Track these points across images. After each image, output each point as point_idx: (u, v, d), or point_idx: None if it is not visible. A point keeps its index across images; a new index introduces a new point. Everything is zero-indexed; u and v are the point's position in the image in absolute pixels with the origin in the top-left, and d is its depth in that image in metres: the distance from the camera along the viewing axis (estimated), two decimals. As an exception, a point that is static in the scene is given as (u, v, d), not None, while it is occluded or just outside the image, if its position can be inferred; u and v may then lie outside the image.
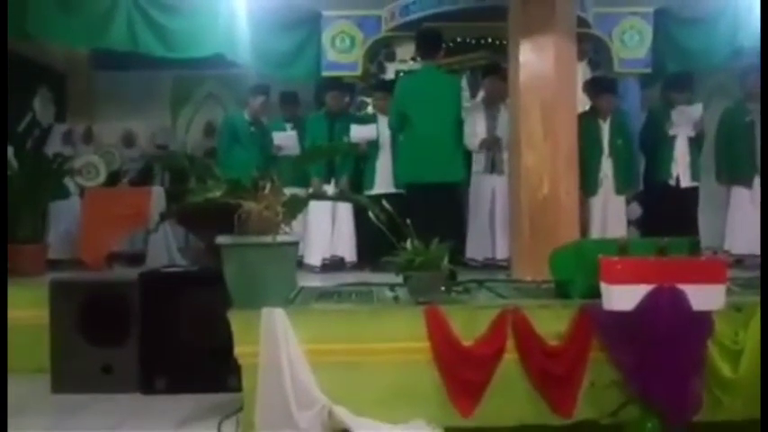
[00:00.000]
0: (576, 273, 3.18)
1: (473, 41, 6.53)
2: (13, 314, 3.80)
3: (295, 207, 3.23)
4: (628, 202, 5.84)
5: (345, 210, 5.68)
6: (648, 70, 6.73)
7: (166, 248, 5.87)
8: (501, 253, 5.38)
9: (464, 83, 5.89)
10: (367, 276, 4.65)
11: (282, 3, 6.51)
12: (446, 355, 2.97)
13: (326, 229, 5.69)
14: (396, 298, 3.39)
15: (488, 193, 5.53)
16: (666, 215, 5.52)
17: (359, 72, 6.68)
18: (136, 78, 7.64)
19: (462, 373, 2.96)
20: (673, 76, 6.10)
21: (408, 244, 3.15)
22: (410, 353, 3.00)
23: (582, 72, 6.27)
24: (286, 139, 5.98)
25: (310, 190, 5.44)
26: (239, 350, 2.96)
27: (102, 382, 3.69)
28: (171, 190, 6.04)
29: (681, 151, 5.67)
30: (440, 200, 4.86)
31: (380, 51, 6.79)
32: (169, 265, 5.01)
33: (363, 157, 5.79)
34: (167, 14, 5.97)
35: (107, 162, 6.41)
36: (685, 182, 5.67)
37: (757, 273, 4.10)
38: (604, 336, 2.98)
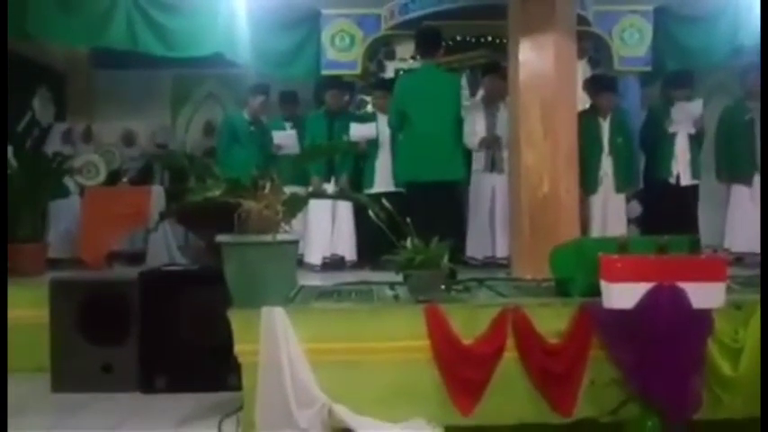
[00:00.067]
0: (577, 271, 3.18)
1: (473, 40, 6.52)
2: (13, 313, 3.81)
3: (295, 206, 3.23)
4: (628, 201, 5.84)
5: (345, 208, 5.68)
6: (648, 68, 6.73)
7: (166, 247, 5.88)
8: (501, 251, 5.38)
9: (464, 81, 5.87)
10: (367, 275, 4.65)
11: (282, 2, 6.51)
12: (446, 354, 2.97)
13: (326, 227, 5.69)
14: (396, 297, 3.39)
15: (488, 192, 5.53)
16: (666, 213, 5.52)
17: (358, 71, 6.68)
18: (135, 78, 7.64)
19: (462, 371, 2.96)
20: (673, 74, 6.09)
21: (408, 242, 3.14)
22: (410, 351, 3.00)
23: (582, 70, 6.26)
24: (286, 138, 5.98)
25: (310, 189, 5.44)
26: (239, 349, 2.96)
27: (103, 381, 3.70)
28: (171, 189, 6.05)
29: (681, 149, 5.67)
30: (440, 198, 4.85)
31: (380, 50, 6.78)
32: (169, 264, 5.01)
33: (363, 156, 5.79)
34: (167, 14, 5.98)
35: (107, 161, 6.41)
36: (685, 180, 5.66)
37: (757, 271, 4.10)
38: (604, 334, 2.98)
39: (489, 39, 6.44)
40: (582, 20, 5.86)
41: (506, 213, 5.00)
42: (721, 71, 6.98)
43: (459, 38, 6.50)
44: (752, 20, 6.11)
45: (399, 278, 3.26)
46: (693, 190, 5.72)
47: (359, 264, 5.63)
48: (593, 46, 6.72)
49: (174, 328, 3.68)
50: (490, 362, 2.98)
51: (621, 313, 2.88)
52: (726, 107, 5.95)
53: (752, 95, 5.60)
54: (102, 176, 6.17)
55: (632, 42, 6.68)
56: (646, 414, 2.90)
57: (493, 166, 5.52)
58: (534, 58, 4.26)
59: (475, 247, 5.51)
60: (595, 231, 5.47)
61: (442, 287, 3.26)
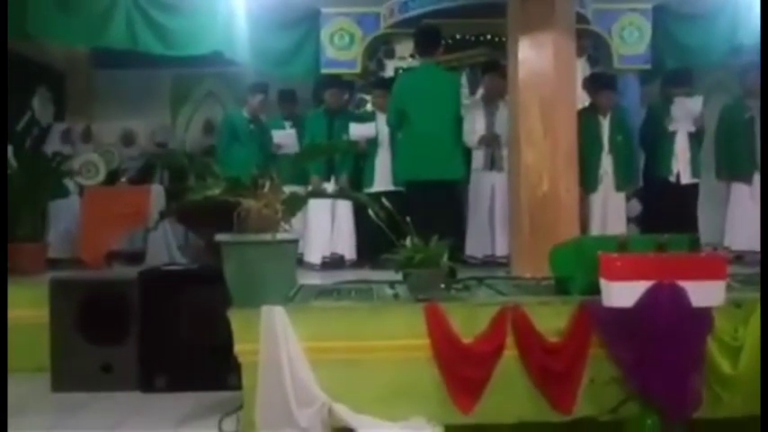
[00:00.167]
0: (576, 269, 3.18)
1: (472, 38, 6.52)
2: (13, 313, 3.81)
3: (294, 205, 3.22)
4: (627, 199, 5.85)
5: (345, 207, 5.68)
6: (648, 66, 6.72)
7: (166, 247, 5.88)
8: (500, 250, 5.38)
9: (463, 80, 5.88)
10: (366, 274, 4.65)
11: (281, 0, 6.51)
12: (446, 353, 2.97)
13: (326, 226, 5.69)
14: (395, 295, 3.39)
15: (488, 191, 5.53)
16: (666, 212, 5.51)
17: (358, 69, 6.68)
18: (135, 77, 7.64)
19: (462, 370, 2.96)
20: (672, 72, 6.09)
21: (408, 241, 3.14)
22: (410, 350, 3.00)
23: (581, 68, 6.26)
24: (285, 137, 5.98)
25: (310, 188, 5.44)
26: (239, 348, 2.96)
27: (102, 380, 3.70)
28: (170, 188, 6.05)
29: (681, 147, 5.67)
30: (439, 197, 4.85)
31: (380, 48, 6.78)
32: (169, 264, 5.01)
33: (363, 155, 5.79)
34: (166, 13, 5.98)
35: (106, 161, 6.41)
36: (686, 178, 5.66)
37: (757, 269, 4.10)
38: (604, 332, 2.98)
39: (489, 37, 6.44)
40: (581, 18, 5.86)
41: (506, 212, 5.00)
42: (720, 69, 6.98)
43: (458, 36, 6.50)
44: (751, 18, 6.11)
45: (399, 277, 3.25)
46: (693, 188, 5.72)
47: (358, 263, 5.63)
48: (592, 44, 6.72)
49: (173, 328, 3.68)
50: (490, 360, 2.98)
51: (621, 312, 2.88)
52: (725, 105, 5.95)
53: (751, 94, 5.61)
54: (101, 176, 6.17)
55: (632, 40, 6.68)
56: (645, 412, 2.90)
57: (492, 164, 5.52)
58: (534, 56, 4.26)
59: (474, 246, 5.51)
60: (595, 230, 5.47)
61: (442, 286, 3.25)
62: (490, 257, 5.45)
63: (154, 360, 3.68)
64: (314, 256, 5.63)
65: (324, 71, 6.61)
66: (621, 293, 2.87)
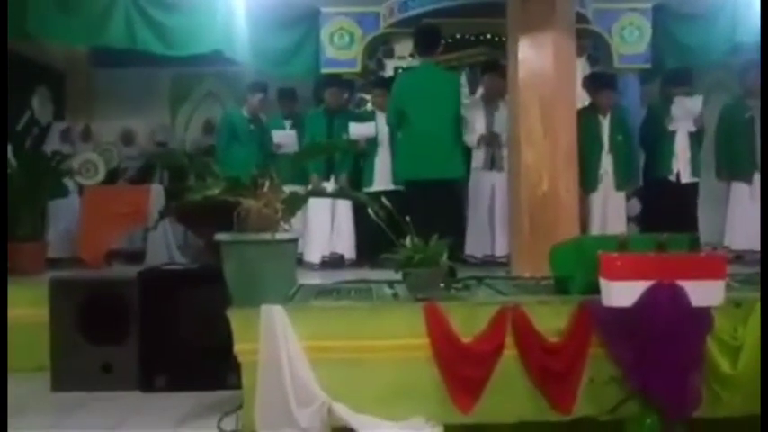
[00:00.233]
0: (576, 269, 3.18)
1: (472, 38, 6.52)
2: (13, 313, 3.80)
3: (294, 204, 3.22)
4: (627, 199, 5.85)
5: (345, 207, 5.68)
6: (648, 66, 6.73)
7: (166, 246, 5.89)
8: (500, 249, 5.38)
9: (463, 79, 5.87)
10: (366, 273, 4.65)
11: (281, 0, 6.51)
12: (445, 352, 2.97)
13: (326, 226, 5.69)
14: (395, 295, 3.39)
15: (488, 190, 5.53)
16: (666, 211, 5.51)
17: (358, 69, 6.68)
18: (135, 76, 7.64)
19: (462, 369, 2.96)
20: (672, 72, 6.09)
21: (407, 241, 3.14)
22: (409, 350, 3.00)
23: (581, 68, 6.27)
24: (285, 137, 5.98)
25: (309, 187, 5.44)
26: (239, 347, 2.96)
27: (102, 380, 3.70)
28: (170, 188, 6.05)
29: (681, 147, 5.67)
30: (439, 197, 4.85)
31: (379, 48, 6.79)
32: (168, 263, 5.02)
33: (362, 155, 5.79)
34: (166, 12, 5.98)
35: (106, 160, 6.41)
36: (686, 177, 5.66)
37: (757, 269, 4.10)
38: (604, 332, 2.98)
39: (489, 37, 6.44)
40: (581, 18, 5.86)
41: (506, 211, 5.00)
42: (720, 69, 6.99)
43: (458, 36, 6.49)
44: (751, 17, 6.11)
45: (398, 276, 3.25)
46: (693, 188, 5.72)
47: (358, 262, 5.64)
48: (592, 44, 6.72)
49: (173, 327, 3.68)
50: (489, 360, 2.98)
51: (621, 311, 2.88)
52: (725, 105, 5.95)
53: (751, 93, 5.61)
54: (100, 175, 6.17)
55: (631, 40, 6.68)
56: (645, 412, 2.90)
57: (492, 164, 5.51)
58: (533, 56, 4.26)
59: (474, 246, 5.51)
60: (595, 229, 5.47)
61: (442, 285, 3.25)
62: (490, 257, 5.45)
63: (154, 359, 3.68)
64: (313, 255, 5.64)
65: (323, 70, 6.61)
66: (621, 293, 2.87)
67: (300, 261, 5.29)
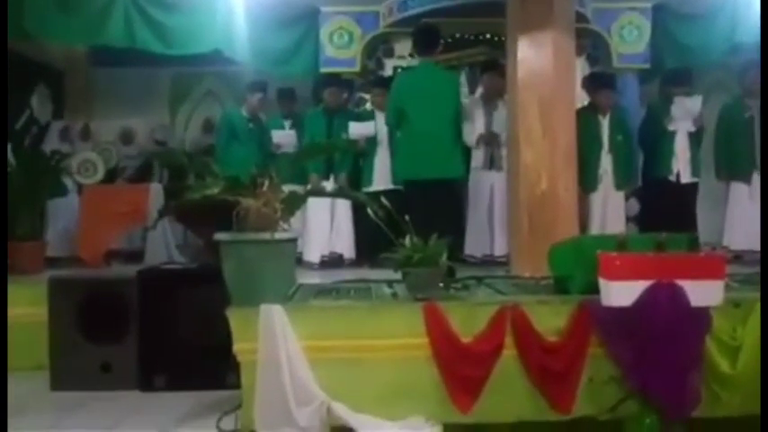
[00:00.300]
0: (575, 269, 3.18)
1: (471, 37, 6.53)
2: (12, 312, 3.80)
3: (293, 204, 3.22)
4: (626, 198, 5.84)
5: (344, 206, 5.68)
6: (647, 66, 6.72)
7: (165, 246, 5.88)
8: (499, 249, 5.38)
9: (462, 79, 5.87)
10: (365, 273, 4.65)
11: (280, -1, 6.51)
12: (445, 352, 2.97)
13: (325, 225, 5.69)
14: (394, 294, 3.39)
15: (487, 190, 5.52)
16: (665, 211, 5.51)
17: (357, 68, 6.67)
18: (134, 75, 7.63)
19: (461, 369, 2.96)
20: (671, 72, 6.09)
21: (407, 240, 3.14)
22: (409, 349, 3.00)
23: (580, 68, 6.26)
24: (285, 137, 5.98)
25: (309, 187, 5.44)
26: (238, 347, 2.96)
27: (101, 379, 3.70)
28: (169, 187, 6.04)
29: (681, 147, 5.66)
30: (438, 196, 4.85)
31: (379, 47, 6.78)
32: (168, 263, 5.01)
33: (362, 154, 5.79)
34: (165, 11, 5.98)
35: (105, 159, 6.40)
36: (686, 177, 5.66)
37: (756, 269, 4.10)
38: (603, 331, 2.98)
39: (488, 36, 6.44)
40: (580, 17, 5.86)
41: (505, 211, 5.00)
42: (720, 69, 6.99)
43: (457, 35, 6.50)
44: (750, 17, 6.11)
45: (398, 276, 3.25)
46: (693, 188, 5.72)
47: (357, 262, 5.64)
48: (591, 43, 6.72)
49: (172, 327, 3.68)
50: (489, 360, 2.98)
51: (620, 311, 2.88)
52: (725, 105, 5.95)
53: (751, 93, 5.60)
54: (99, 174, 6.16)
55: (631, 39, 6.67)
56: (644, 411, 2.90)
57: (492, 163, 5.51)
58: (533, 55, 4.26)
59: (473, 245, 5.50)
60: (595, 229, 5.47)
61: (441, 285, 3.26)
62: (489, 257, 5.45)
63: (153, 359, 3.68)
64: (313, 255, 5.63)
65: (323, 70, 6.60)
66: (620, 293, 2.88)
67: (300, 260, 5.29)
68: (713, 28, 6.60)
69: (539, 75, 4.25)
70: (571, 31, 4.40)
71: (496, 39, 6.20)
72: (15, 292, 3.97)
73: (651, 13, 6.70)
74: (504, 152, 5.32)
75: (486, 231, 5.51)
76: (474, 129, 5.46)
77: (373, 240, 4.35)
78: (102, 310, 3.74)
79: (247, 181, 3.08)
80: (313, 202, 5.45)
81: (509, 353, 3.00)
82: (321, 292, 3.58)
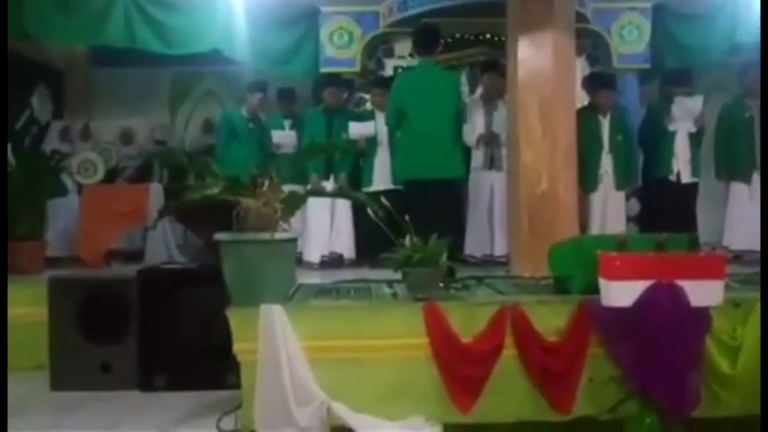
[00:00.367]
0: (575, 269, 3.18)
1: (472, 37, 6.52)
2: (12, 312, 3.80)
3: (293, 204, 3.22)
4: (627, 198, 5.84)
5: (344, 206, 5.68)
6: (647, 66, 6.72)
7: (165, 246, 5.88)
8: (499, 249, 5.38)
9: (463, 79, 5.87)
10: (365, 273, 4.65)
11: (280, -1, 6.51)
12: (445, 352, 2.97)
13: (325, 225, 5.69)
14: (394, 294, 3.39)
15: (487, 190, 5.52)
16: (665, 211, 5.51)
17: (357, 68, 6.67)
18: (134, 75, 7.63)
19: (461, 369, 2.96)
20: (671, 72, 6.09)
21: (407, 240, 3.14)
22: (409, 349, 3.00)
23: (580, 68, 6.26)
24: (285, 137, 5.99)
25: (309, 187, 5.44)
26: (238, 347, 2.96)
27: (101, 379, 3.70)
28: (169, 187, 6.04)
29: (681, 147, 5.65)
30: (438, 196, 4.85)
31: (379, 47, 6.78)
32: (168, 263, 5.01)
33: (362, 154, 5.79)
34: (165, 11, 5.98)
35: (105, 159, 6.40)
36: (686, 177, 5.66)
37: (756, 269, 4.10)
38: (603, 332, 2.98)
39: (488, 36, 6.44)
40: (580, 17, 5.86)
41: (505, 211, 5.00)
42: (720, 69, 6.98)
43: (457, 35, 6.50)
44: (750, 16, 6.10)
45: (398, 276, 3.25)
46: (693, 188, 5.72)
47: (357, 262, 5.64)
48: (591, 43, 6.72)
49: (172, 327, 3.68)
50: (489, 360, 2.98)
51: (620, 311, 2.88)
52: (725, 105, 5.95)
53: (751, 93, 5.60)
54: (99, 174, 6.16)
55: (631, 39, 6.67)
56: (644, 411, 2.90)
57: (492, 163, 5.51)
58: (533, 55, 4.26)
59: (473, 245, 5.50)
60: (595, 229, 5.47)
61: (441, 285, 3.26)
62: (489, 257, 5.45)
63: (153, 359, 3.68)
64: (313, 255, 5.63)
65: (323, 70, 6.60)
66: (620, 293, 2.88)
67: (300, 260, 5.29)
68: (713, 28, 6.60)
69: (539, 75, 4.25)
70: (571, 31, 4.40)
71: (496, 39, 6.20)
72: (15, 292, 3.97)
73: (651, 13, 6.70)
74: (504, 152, 5.32)
75: (486, 231, 5.51)
76: (474, 129, 5.46)
77: (373, 240, 4.35)
78: (103, 309, 3.74)
79: (247, 181, 3.08)
80: (313, 202, 5.45)
81: (509, 353, 3.00)
82: (321, 292, 3.58)
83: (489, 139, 5.49)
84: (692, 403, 2.89)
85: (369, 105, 6.32)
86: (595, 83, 5.86)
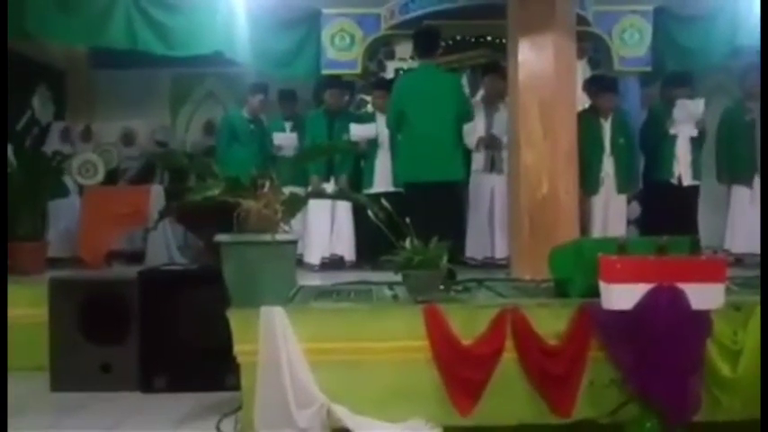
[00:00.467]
0: (576, 272, 3.18)
1: (473, 40, 6.52)
2: (13, 312, 3.80)
3: (294, 206, 3.22)
4: (628, 202, 5.84)
5: (345, 208, 5.68)
6: (648, 69, 6.73)
7: (166, 247, 5.88)
8: (500, 252, 5.38)
9: (464, 81, 5.87)
10: (366, 275, 4.64)
11: (281, 1, 6.52)
12: (445, 354, 2.97)
13: (326, 227, 5.69)
14: (395, 297, 3.39)
15: (487, 192, 5.53)
16: (666, 214, 5.50)
17: (358, 70, 6.69)
18: (135, 77, 7.64)
19: (461, 372, 2.96)
20: (672, 75, 6.08)
21: (407, 243, 3.14)
22: (409, 352, 3.00)
23: (582, 70, 6.26)
24: (286, 139, 5.99)
25: (309, 188, 5.44)
26: (238, 349, 2.96)
27: (102, 380, 3.69)
28: (170, 188, 6.06)
29: (682, 150, 5.65)
30: (439, 199, 4.84)
31: (380, 49, 6.79)
32: (168, 264, 5.02)
33: (363, 156, 5.79)
34: (166, 12, 5.99)
35: (105, 160, 6.41)
36: (687, 180, 5.65)
37: (757, 272, 4.09)
38: (603, 335, 2.98)
39: (489, 38, 6.44)
40: (581, 20, 5.87)
41: (505, 214, 5.00)
42: (721, 72, 6.99)
43: (458, 37, 6.50)
44: (751, 20, 6.12)
45: (398, 278, 3.25)
46: (694, 191, 5.72)
47: (358, 264, 5.63)
48: (592, 46, 6.72)
49: (173, 328, 3.67)
50: (489, 362, 2.98)
51: (621, 314, 2.87)
52: (726, 108, 5.95)
53: (752, 96, 5.59)
54: (100, 176, 6.16)
55: (632, 42, 6.69)
56: (645, 415, 2.90)
57: (492, 166, 5.52)
58: (534, 58, 4.26)
59: (474, 248, 5.51)
60: (596, 232, 5.47)
61: (441, 287, 3.26)
62: (490, 259, 5.45)
63: (153, 360, 3.68)
64: (313, 256, 5.63)
65: (324, 72, 6.62)
66: (621, 296, 2.87)
67: (300, 262, 5.29)
68: (714, 31, 6.61)
69: (540, 77, 4.25)
70: (572, 33, 4.40)
71: (497, 41, 6.20)
72: (16, 292, 3.97)
73: (652, 16, 6.72)
74: (504, 155, 5.32)
75: (486, 234, 5.52)
76: (474, 131, 5.46)
77: (374, 242, 4.34)
78: (103, 310, 3.74)
79: (248, 182, 3.08)
80: (314, 203, 5.46)
81: (509, 356, 3.00)
82: (321, 293, 3.58)
83: (489, 142, 5.49)
84: (692, 407, 2.88)
85: (370, 107, 6.32)
86: (597, 86, 5.85)
